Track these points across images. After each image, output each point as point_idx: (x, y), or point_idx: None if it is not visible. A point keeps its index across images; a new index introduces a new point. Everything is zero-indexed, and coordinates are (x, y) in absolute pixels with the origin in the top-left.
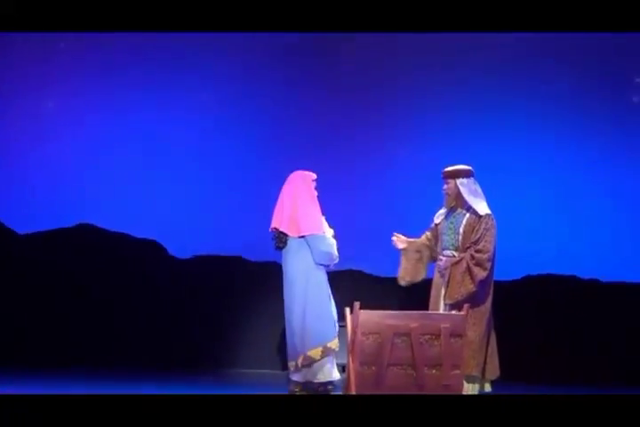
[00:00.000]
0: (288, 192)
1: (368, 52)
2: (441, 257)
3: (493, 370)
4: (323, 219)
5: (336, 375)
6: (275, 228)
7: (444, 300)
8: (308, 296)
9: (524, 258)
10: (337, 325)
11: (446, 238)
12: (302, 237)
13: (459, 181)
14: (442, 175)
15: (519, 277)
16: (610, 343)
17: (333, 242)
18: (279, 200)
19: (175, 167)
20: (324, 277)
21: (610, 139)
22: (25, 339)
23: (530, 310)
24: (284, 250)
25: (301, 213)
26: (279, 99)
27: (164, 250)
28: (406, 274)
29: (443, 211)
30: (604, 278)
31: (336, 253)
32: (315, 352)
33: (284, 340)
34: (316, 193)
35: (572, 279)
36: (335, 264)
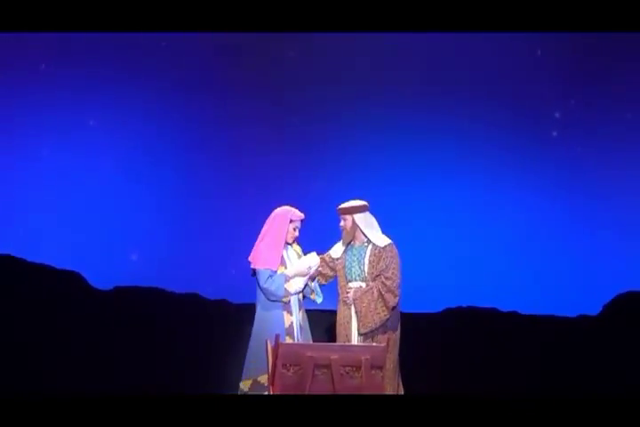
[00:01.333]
0: (264, 226)
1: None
2: (348, 289)
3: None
4: (287, 256)
5: None
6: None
7: (359, 330)
8: (252, 328)
9: (444, 291)
10: None
11: (352, 271)
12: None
13: (356, 216)
14: (338, 212)
15: (439, 310)
16: (527, 376)
17: (277, 279)
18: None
19: (98, 196)
20: (270, 312)
21: (525, 172)
22: None
23: (450, 343)
24: None
25: (260, 248)
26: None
27: (86, 281)
28: None
29: (340, 246)
30: (523, 311)
31: (278, 291)
32: (244, 383)
33: None
34: (293, 233)
35: (493, 312)
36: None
